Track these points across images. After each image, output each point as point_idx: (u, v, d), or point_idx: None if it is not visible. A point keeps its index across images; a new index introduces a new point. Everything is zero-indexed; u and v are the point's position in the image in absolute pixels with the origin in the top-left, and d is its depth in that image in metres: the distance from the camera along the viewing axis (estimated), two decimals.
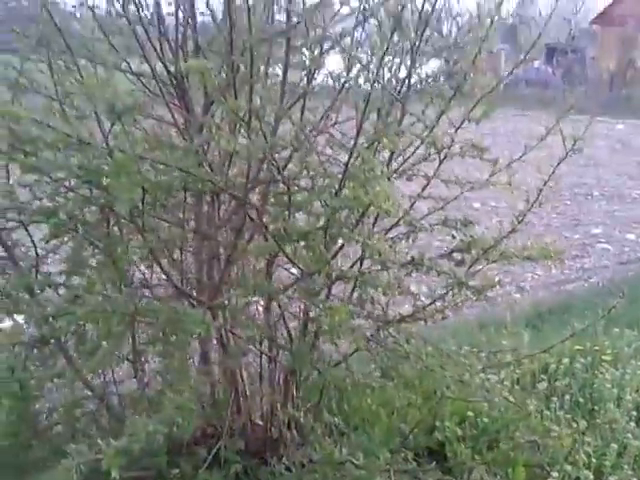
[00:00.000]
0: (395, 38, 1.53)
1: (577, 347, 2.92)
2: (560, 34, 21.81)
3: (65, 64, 1.64)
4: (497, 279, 1.92)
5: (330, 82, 1.84)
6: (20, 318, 1.52)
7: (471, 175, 2.06)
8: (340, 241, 1.83)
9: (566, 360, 2.80)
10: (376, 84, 1.55)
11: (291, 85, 1.78)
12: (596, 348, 2.95)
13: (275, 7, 1.78)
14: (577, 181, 8.46)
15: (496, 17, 1.60)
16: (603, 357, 2.87)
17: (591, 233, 6.53)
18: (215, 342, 2.01)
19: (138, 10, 1.69)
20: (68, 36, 1.56)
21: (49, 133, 1.28)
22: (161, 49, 1.78)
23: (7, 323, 1.53)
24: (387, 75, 1.76)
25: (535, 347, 2.47)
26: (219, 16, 1.86)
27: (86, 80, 1.40)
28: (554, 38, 21.20)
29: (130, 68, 1.79)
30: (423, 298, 2.05)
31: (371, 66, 1.70)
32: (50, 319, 1.49)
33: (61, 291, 1.80)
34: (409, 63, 1.69)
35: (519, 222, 1.83)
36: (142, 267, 2.01)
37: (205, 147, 1.75)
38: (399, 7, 1.41)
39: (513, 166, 2.01)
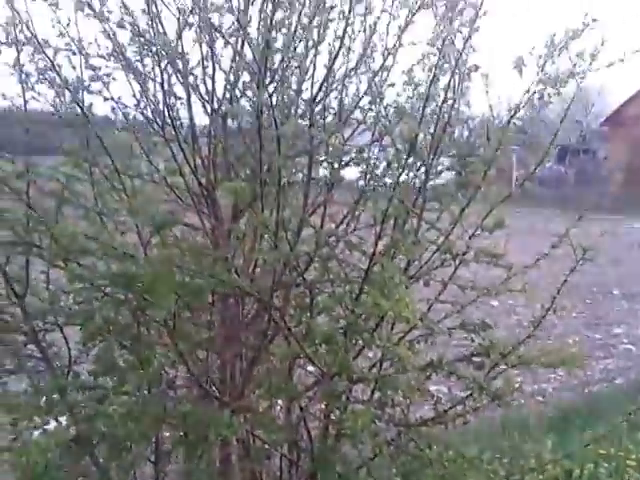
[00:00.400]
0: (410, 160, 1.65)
1: (601, 452, 2.86)
2: (571, 134, 22.44)
3: (108, 180, 1.79)
4: (518, 383, 1.92)
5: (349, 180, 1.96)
6: (64, 419, 1.57)
7: (487, 274, 2.12)
8: (360, 342, 1.88)
9: (590, 465, 2.73)
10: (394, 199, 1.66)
11: (313, 184, 1.90)
12: (620, 453, 2.89)
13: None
14: (596, 280, 8.44)
15: (505, 140, 1.72)
16: (627, 462, 2.81)
17: (613, 333, 6.47)
18: (236, 443, 2.02)
19: (176, 131, 1.87)
20: (115, 155, 1.71)
21: (97, 245, 1.39)
22: (194, 163, 1.95)
23: (52, 425, 1.59)
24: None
25: (558, 451, 2.43)
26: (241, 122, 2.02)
27: (131, 198, 1.53)
28: (565, 138, 21.80)
29: (166, 181, 1.94)
30: (443, 400, 2.05)
31: (387, 179, 1.83)
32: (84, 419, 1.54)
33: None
34: (424, 177, 1.81)
35: (535, 327, 1.87)
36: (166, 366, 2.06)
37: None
38: (413, 134, 1.54)
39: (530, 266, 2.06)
